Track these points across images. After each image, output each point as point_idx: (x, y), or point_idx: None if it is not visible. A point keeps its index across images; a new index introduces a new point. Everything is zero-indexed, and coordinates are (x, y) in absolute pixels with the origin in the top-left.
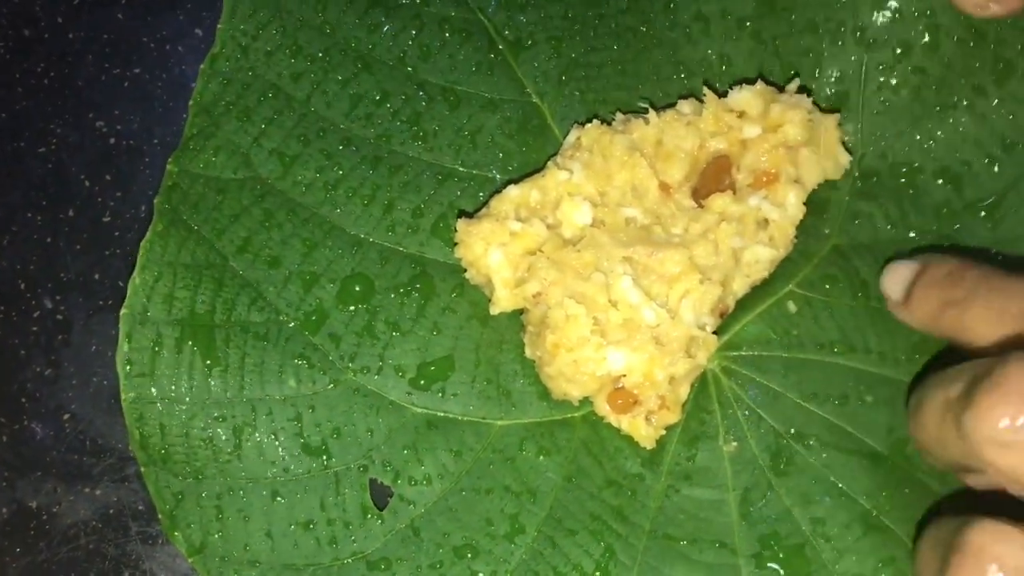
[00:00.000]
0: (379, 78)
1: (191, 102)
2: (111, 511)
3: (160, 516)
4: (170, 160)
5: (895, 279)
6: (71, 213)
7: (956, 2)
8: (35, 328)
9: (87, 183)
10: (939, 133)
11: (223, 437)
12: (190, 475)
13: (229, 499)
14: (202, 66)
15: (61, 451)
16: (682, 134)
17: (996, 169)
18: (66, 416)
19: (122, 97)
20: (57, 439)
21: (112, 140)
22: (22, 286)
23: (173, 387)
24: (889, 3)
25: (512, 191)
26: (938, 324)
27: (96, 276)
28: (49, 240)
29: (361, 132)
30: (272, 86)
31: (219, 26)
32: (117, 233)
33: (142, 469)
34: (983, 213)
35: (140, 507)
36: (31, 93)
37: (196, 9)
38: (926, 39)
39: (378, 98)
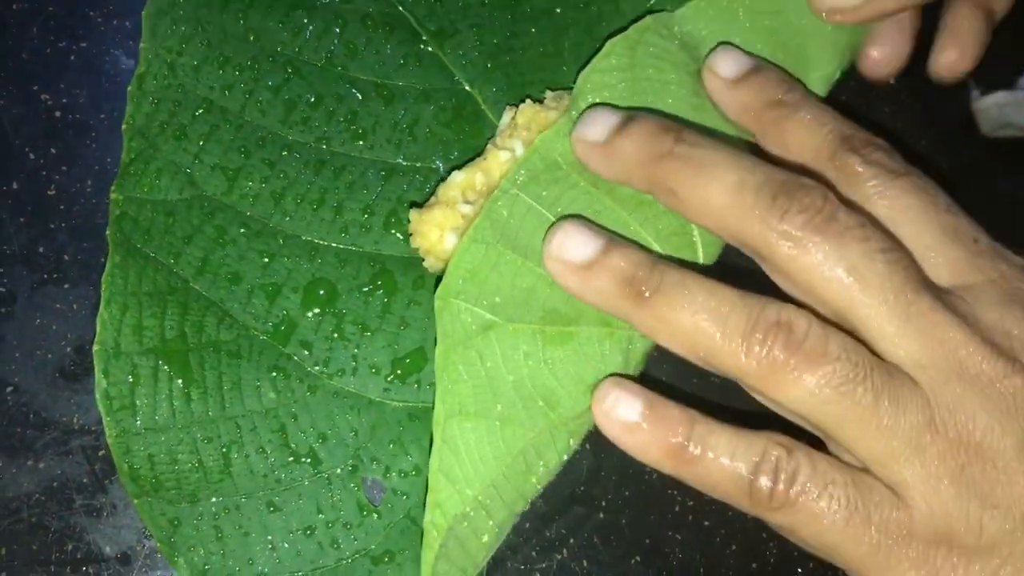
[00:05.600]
0: (310, 81)
1: (124, 126)
2: (55, 484)
3: (159, 545)
4: (113, 188)
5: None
6: (15, 186)
7: (810, 3)
8: None
9: (31, 156)
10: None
11: (212, 458)
12: (184, 500)
13: (226, 518)
14: (130, 88)
15: (4, 424)
16: None
17: None
18: (9, 389)
19: (68, 70)
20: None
21: (57, 113)
22: None
23: (155, 416)
24: None
25: (457, 176)
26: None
27: (40, 249)
28: None
29: (300, 137)
30: (204, 100)
31: (141, 45)
32: (62, 206)
33: (134, 502)
34: None
35: (84, 480)
36: None
37: None
38: None
39: (312, 101)
